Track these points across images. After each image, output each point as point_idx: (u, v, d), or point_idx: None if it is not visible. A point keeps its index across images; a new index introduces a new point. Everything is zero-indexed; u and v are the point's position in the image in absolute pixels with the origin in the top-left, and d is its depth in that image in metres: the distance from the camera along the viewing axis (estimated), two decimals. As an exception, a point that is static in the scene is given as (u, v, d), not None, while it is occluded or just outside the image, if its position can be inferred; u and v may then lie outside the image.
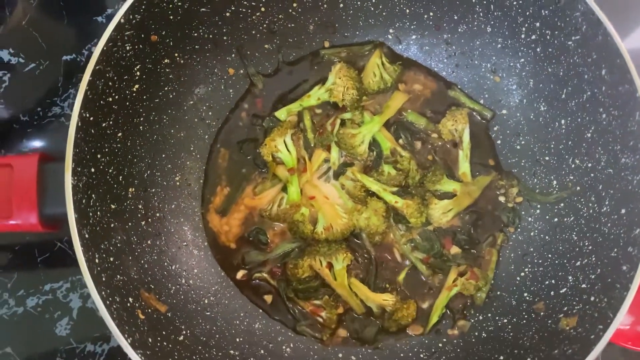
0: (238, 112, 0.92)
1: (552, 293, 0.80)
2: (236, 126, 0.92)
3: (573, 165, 0.84)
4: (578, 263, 0.79)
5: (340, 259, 0.84)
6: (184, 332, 0.77)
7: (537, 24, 0.82)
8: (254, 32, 0.90)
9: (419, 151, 0.92)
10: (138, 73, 0.78)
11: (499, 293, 0.87)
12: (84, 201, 0.70)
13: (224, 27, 0.87)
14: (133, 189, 0.81)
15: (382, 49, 0.94)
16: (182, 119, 0.88)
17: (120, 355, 0.88)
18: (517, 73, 0.89)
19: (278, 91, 0.93)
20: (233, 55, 0.91)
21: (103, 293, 0.66)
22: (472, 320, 0.86)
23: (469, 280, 0.86)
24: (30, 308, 0.88)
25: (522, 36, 0.85)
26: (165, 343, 0.72)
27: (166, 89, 0.85)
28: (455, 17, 0.89)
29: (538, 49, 0.84)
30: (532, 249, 0.87)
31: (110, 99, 0.75)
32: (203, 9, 0.83)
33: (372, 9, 0.91)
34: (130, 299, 0.72)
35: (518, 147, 0.91)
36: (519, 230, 0.89)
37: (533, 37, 0.84)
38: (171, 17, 0.79)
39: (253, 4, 0.87)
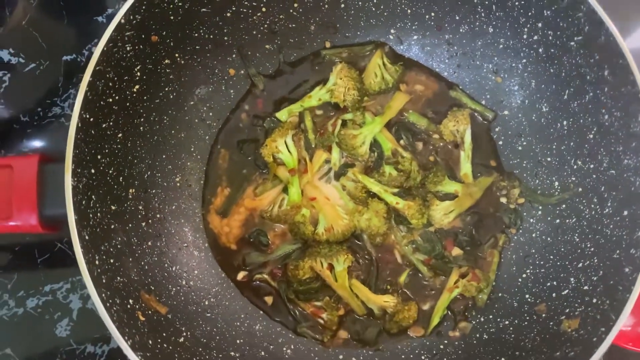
0: (239, 112, 0.92)
1: (553, 295, 0.80)
2: (237, 127, 0.92)
3: (575, 167, 0.83)
4: (580, 265, 0.78)
5: (341, 261, 0.84)
6: (185, 333, 0.77)
7: (540, 25, 0.82)
8: (254, 32, 0.90)
9: (420, 152, 0.92)
10: (138, 73, 0.78)
11: (500, 295, 0.86)
12: (84, 202, 0.69)
13: (225, 27, 0.87)
14: (133, 190, 0.80)
15: (383, 50, 0.94)
16: (182, 119, 0.88)
17: (120, 357, 0.87)
18: (519, 74, 0.89)
19: (279, 92, 0.93)
20: (234, 56, 0.91)
21: (103, 295, 0.66)
22: (474, 322, 0.86)
23: (470, 281, 0.86)
24: (30, 309, 0.88)
25: (524, 37, 0.85)
26: (165, 345, 0.72)
27: (167, 89, 0.84)
28: (457, 18, 0.89)
29: (540, 50, 0.84)
30: (533, 251, 0.87)
31: (111, 100, 0.74)
32: (204, 9, 0.82)
33: (374, 9, 0.91)
34: (131, 301, 0.72)
35: (520, 148, 0.90)
36: (520, 231, 0.89)
37: (535, 37, 0.84)
38: (172, 18, 0.79)
39: (254, 4, 0.86)
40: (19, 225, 0.74)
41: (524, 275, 0.86)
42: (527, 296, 0.83)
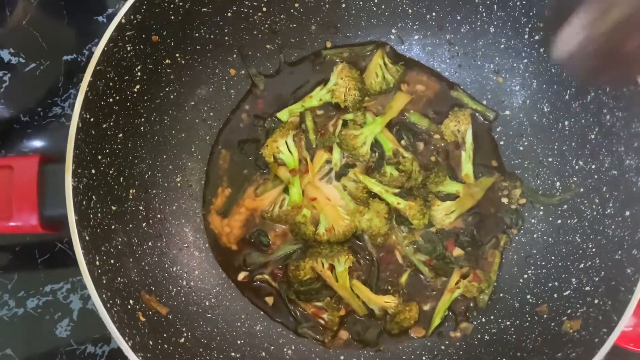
0: (239, 112, 0.92)
1: (555, 295, 0.80)
2: (237, 127, 0.92)
3: (577, 167, 0.83)
4: (582, 265, 0.78)
5: (342, 261, 0.84)
6: (185, 334, 0.77)
7: (541, 25, 0.82)
8: (255, 32, 0.89)
9: (421, 152, 0.91)
10: (139, 73, 0.78)
11: (501, 295, 0.86)
12: (84, 203, 0.69)
13: (226, 27, 0.86)
14: (134, 190, 0.80)
15: (384, 49, 0.94)
16: (183, 119, 0.88)
17: (120, 357, 0.86)
18: (521, 74, 0.89)
19: (280, 92, 0.93)
20: (234, 56, 0.90)
21: (104, 296, 0.66)
22: (475, 323, 0.85)
23: (471, 282, 0.86)
24: (31, 309, 0.88)
25: (526, 36, 0.85)
26: (166, 346, 0.72)
27: (167, 89, 0.84)
28: (458, 18, 0.89)
29: (542, 50, 0.84)
30: (535, 251, 0.86)
31: (111, 100, 0.74)
32: (204, 9, 0.82)
33: (375, 9, 0.91)
34: (131, 302, 0.71)
35: (521, 148, 0.90)
36: (522, 232, 0.89)
37: (537, 37, 0.84)
38: (172, 17, 0.79)
39: (255, 4, 0.86)
40: (19, 225, 0.74)
41: (526, 276, 0.85)
42: (528, 297, 0.83)
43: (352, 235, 0.87)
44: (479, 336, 0.84)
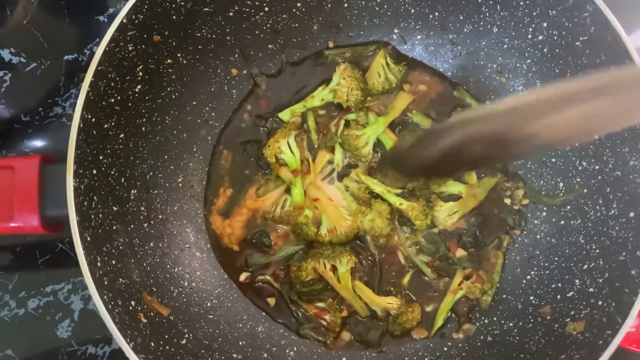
0: (241, 113, 0.92)
1: (558, 297, 0.79)
2: (239, 127, 0.91)
3: (580, 168, 0.83)
4: (585, 266, 0.78)
5: (344, 262, 0.83)
6: (187, 335, 0.76)
7: (545, 24, 0.81)
8: (257, 32, 0.89)
9: (423, 152, 0.91)
10: (140, 74, 0.78)
11: (504, 296, 0.86)
12: (85, 203, 0.69)
13: (227, 27, 0.86)
14: (135, 191, 0.80)
15: (386, 49, 0.93)
16: (184, 120, 0.87)
17: (121, 358, 0.86)
18: (524, 74, 0.88)
19: (282, 92, 0.92)
20: (236, 56, 0.90)
21: (105, 297, 0.66)
22: (478, 324, 0.85)
23: (474, 283, 0.85)
24: (32, 310, 0.87)
25: (529, 36, 0.84)
26: (167, 347, 0.72)
27: (169, 89, 0.84)
28: (461, 17, 0.88)
29: (545, 50, 0.84)
30: (538, 252, 0.86)
31: (113, 100, 0.74)
32: (206, 9, 0.82)
33: (377, 8, 0.90)
34: (133, 303, 0.71)
35: (524, 148, 0.90)
36: (525, 232, 0.88)
37: (540, 37, 0.83)
38: (174, 17, 0.78)
39: (257, 3, 0.86)
40: (21, 226, 0.73)
41: (529, 277, 0.85)
42: (531, 298, 0.83)
43: (355, 236, 0.87)
44: (481, 337, 0.84)
